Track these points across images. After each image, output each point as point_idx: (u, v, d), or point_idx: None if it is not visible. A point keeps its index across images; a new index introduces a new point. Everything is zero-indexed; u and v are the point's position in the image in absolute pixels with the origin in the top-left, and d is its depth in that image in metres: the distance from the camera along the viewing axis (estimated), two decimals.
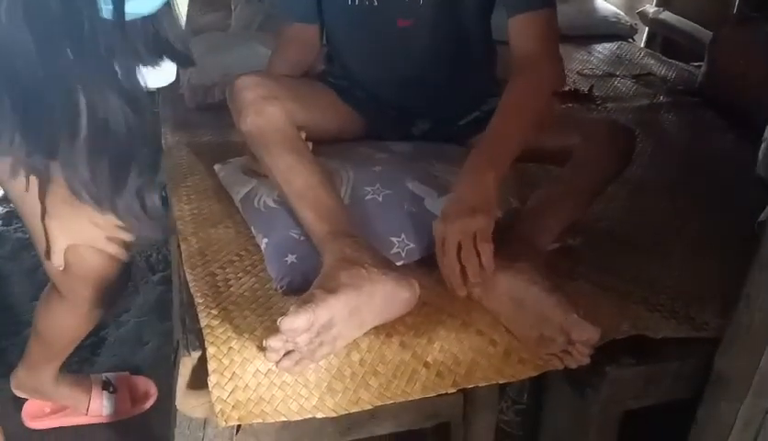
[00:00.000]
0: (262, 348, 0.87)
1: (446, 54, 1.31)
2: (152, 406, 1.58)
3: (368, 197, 1.16)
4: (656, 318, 1.06)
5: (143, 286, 1.97)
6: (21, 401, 1.52)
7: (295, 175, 1.11)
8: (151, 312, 1.88)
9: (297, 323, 0.82)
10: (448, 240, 1.00)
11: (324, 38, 1.38)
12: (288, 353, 0.86)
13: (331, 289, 0.88)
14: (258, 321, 0.96)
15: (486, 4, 1.28)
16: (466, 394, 1.09)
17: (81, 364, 1.67)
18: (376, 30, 1.28)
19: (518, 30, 1.19)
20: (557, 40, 1.22)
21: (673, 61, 2.43)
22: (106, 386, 1.55)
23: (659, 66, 2.37)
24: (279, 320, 0.82)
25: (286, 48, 1.35)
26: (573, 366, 0.94)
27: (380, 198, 1.16)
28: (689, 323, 1.06)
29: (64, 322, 1.35)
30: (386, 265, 0.99)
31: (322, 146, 1.27)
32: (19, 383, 1.49)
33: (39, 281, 1.82)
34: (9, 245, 2.09)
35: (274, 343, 0.84)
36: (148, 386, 1.61)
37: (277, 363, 0.86)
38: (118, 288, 1.34)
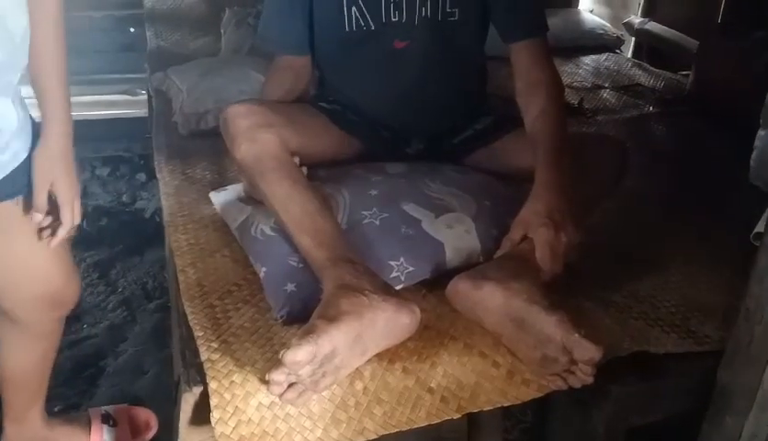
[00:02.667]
0: (264, 381, 0.86)
1: (441, 73, 1.32)
2: (153, 437, 1.56)
3: (366, 221, 1.16)
4: (657, 333, 1.06)
5: (140, 314, 1.95)
6: None
7: (291, 202, 1.11)
8: (149, 341, 1.86)
9: (299, 356, 0.82)
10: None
11: (316, 64, 1.39)
12: (291, 385, 0.85)
13: (332, 318, 0.88)
14: (259, 352, 0.95)
15: (480, 25, 1.30)
16: (470, 417, 1.08)
17: (80, 396, 1.65)
18: (372, 53, 1.30)
19: (523, 56, 1.25)
20: (553, 61, 1.29)
21: (661, 70, 2.46)
22: (105, 420, 1.52)
23: (646, 76, 2.39)
24: (282, 353, 0.82)
25: (278, 76, 1.36)
26: (577, 385, 0.94)
27: (378, 222, 1.16)
28: (691, 337, 1.06)
29: (29, 354, 1.24)
30: (386, 290, 0.98)
31: (318, 170, 1.28)
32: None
33: None
34: None
35: (277, 376, 0.83)
36: (148, 417, 1.59)
37: (281, 396, 0.86)
38: (71, 297, 1.19)
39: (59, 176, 0.97)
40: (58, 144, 0.97)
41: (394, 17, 1.25)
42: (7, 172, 0.93)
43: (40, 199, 0.97)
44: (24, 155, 0.95)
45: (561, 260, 1.05)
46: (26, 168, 0.96)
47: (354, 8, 1.25)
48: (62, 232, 1.00)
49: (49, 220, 1.00)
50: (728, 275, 1.19)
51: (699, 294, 1.17)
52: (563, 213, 1.07)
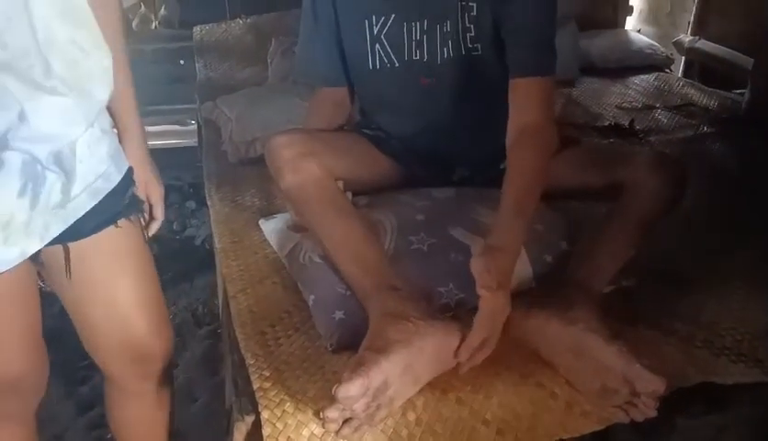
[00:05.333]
0: (316, 412, 0.86)
1: (472, 104, 1.30)
2: None
3: (413, 247, 1.15)
4: (723, 362, 1.01)
5: (191, 340, 1.97)
6: None
7: (336, 230, 1.11)
8: (199, 367, 1.88)
9: (352, 391, 0.81)
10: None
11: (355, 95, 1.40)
12: (346, 420, 0.84)
13: (381, 349, 0.87)
14: (311, 381, 0.95)
15: (502, 56, 1.27)
16: None
17: None
18: (400, 89, 1.29)
19: (522, 93, 1.18)
20: (553, 106, 1.24)
21: (714, 89, 2.39)
22: None
23: (699, 96, 2.33)
24: (334, 388, 0.81)
25: (319, 107, 1.37)
26: (640, 419, 0.90)
27: (425, 248, 1.14)
28: (758, 367, 1.01)
29: (131, 416, 1.18)
30: (431, 315, 0.97)
31: (363, 196, 1.27)
32: None
33: None
34: (59, 305, 2.14)
35: (331, 413, 0.83)
36: None
37: (337, 432, 0.85)
38: (159, 351, 1.11)
39: (149, 179, 1.05)
40: (141, 150, 1.04)
41: (416, 56, 1.25)
42: (102, 196, 0.92)
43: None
44: (117, 177, 0.95)
45: (497, 331, 0.96)
46: (120, 191, 0.96)
47: (377, 46, 1.25)
48: (156, 226, 1.09)
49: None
50: None
51: (765, 319, 1.11)
52: (506, 279, 0.99)
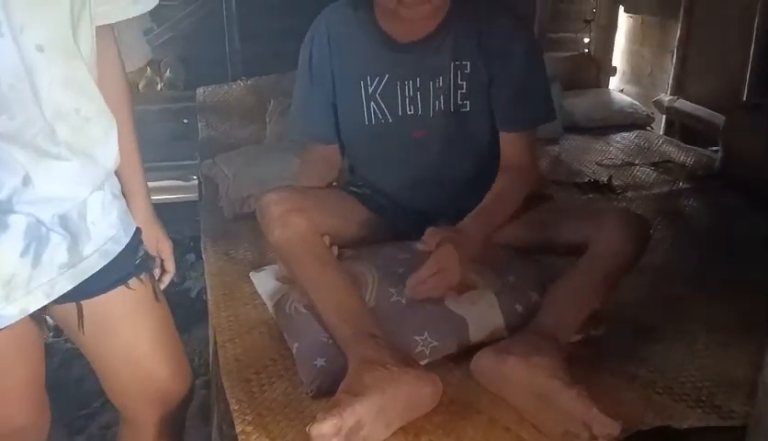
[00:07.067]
0: None
1: (460, 157, 1.40)
2: None
3: (393, 299, 1.22)
4: (681, 408, 1.07)
5: None
6: None
7: (320, 282, 1.19)
8: (195, 416, 1.90)
9: (324, 429, 0.87)
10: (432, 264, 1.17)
11: (345, 152, 1.49)
12: None
13: (356, 393, 0.93)
14: (291, 425, 1.00)
15: (490, 113, 1.38)
16: None
17: None
18: (392, 143, 1.39)
19: (510, 144, 1.36)
20: (535, 151, 1.43)
21: (692, 146, 2.49)
22: None
23: (677, 153, 2.43)
24: (308, 427, 0.87)
25: (310, 164, 1.47)
26: None
27: (404, 300, 1.21)
28: (715, 412, 1.06)
29: None
30: (407, 363, 1.03)
31: (348, 249, 1.35)
32: None
33: (87, 391, 1.89)
34: (59, 356, 2.19)
35: None
36: None
37: None
38: (178, 392, 1.13)
39: (158, 236, 1.12)
40: (147, 210, 1.10)
41: (410, 111, 1.35)
42: (112, 258, 0.96)
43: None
44: (126, 240, 0.99)
45: (443, 282, 1.17)
46: (129, 253, 1.00)
47: (372, 103, 1.36)
48: (168, 279, 1.15)
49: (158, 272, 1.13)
50: (754, 350, 1.19)
51: (726, 369, 1.17)
52: (465, 258, 1.19)
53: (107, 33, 0.96)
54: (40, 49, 0.80)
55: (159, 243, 1.12)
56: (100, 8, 0.90)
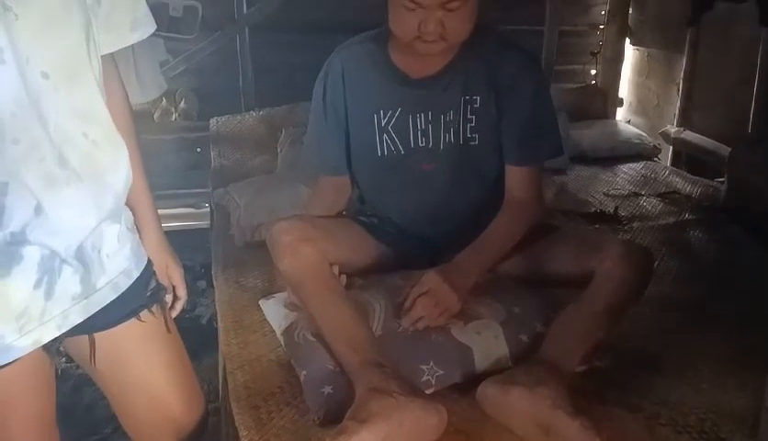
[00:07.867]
0: None
1: (468, 189, 1.44)
2: None
3: (400, 328, 1.24)
4: (685, 439, 1.08)
5: None
6: None
7: (328, 310, 1.22)
8: None
9: None
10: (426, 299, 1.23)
11: (355, 182, 1.53)
12: None
13: (362, 420, 0.95)
14: None
15: (498, 147, 1.41)
16: None
17: None
18: (403, 174, 1.43)
19: (515, 177, 1.40)
20: (541, 186, 1.46)
21: (699, 178, 2.50)
22: None
23: (684, 184, 2.44)
24: None
25: (321, 194, 1.51)
26: None
27: (410, 329, 1.24)
28: None
29: None
30: (413, 392, 1.05)
31: (357, 278, 1.38)
32: None
33: (98, 417, 1.91)
34: (72, 381, 2.22)
35: None
36: None
37: None
38: (192, 422, 1.13)
39: (169, 263, 1.12)
40: (157, 238, 1.09)
41: (421, 143, 1.39)
42: (122, 291, 0.96)
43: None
44: (136, 274, 0.99)
45: (436, 311, 1.23)
46: (140, 286, 1.00)
47: (385, 135, 1.40)
48: (180, 306, 1.15)
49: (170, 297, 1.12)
50: (758, 382, 1.19)
51: (731, 401, 1.18)
52: (460, 288, 1.25)
53: (109, 63, 0.96)
54: (46, 76, 0.81)
55: (169, 270, 1.12)
56: (100, 37, 0.90)
